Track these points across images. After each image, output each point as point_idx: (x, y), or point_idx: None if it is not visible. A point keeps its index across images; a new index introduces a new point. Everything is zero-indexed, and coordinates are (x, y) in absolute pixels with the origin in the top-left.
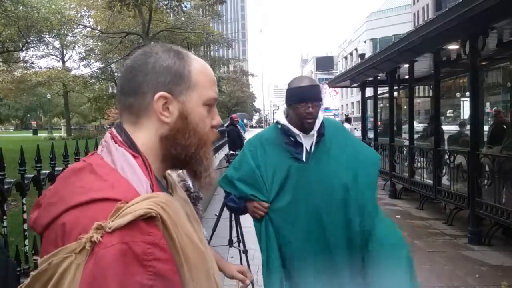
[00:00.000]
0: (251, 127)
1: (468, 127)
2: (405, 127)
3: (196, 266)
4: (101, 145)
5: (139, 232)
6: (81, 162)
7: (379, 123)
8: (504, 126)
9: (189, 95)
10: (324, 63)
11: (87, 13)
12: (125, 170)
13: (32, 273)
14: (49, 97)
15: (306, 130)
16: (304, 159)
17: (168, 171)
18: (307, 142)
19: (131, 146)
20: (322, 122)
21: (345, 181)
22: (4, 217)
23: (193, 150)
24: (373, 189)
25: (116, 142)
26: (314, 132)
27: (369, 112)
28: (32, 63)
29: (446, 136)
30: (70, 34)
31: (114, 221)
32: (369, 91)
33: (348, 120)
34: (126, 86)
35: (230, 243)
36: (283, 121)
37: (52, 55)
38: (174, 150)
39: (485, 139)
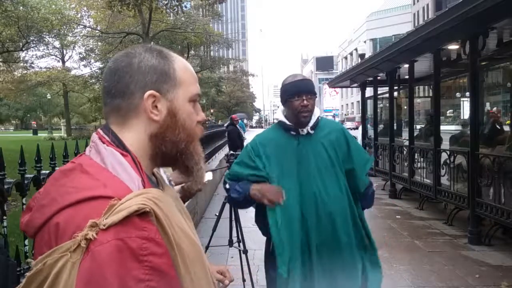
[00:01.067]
0: (251, 127)
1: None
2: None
3: (192, 259)
4: (89, 146)
5: (134, 228)
6: (70, 164)
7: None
8: (497, 126)
9: (176, 92)
10: (324, 63)
11: (87, 13)
12: (116, 169)
13: (27, 274)
14: (49, 97)
15: (302, 124)
16: (304, 133)
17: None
18: None
19: (119, 145)
20: (318, 119)
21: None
22: (4, 217)
23: (183, 145)
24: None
25: (104, 142)
26: (308, 127)
27: (369, 112)
28: (32, 63)
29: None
30: (70, 34)
31: (108, 218)
32: (369, 91)
33: None
34: (113, 88)
35: (230, 243)
36: (281, 117)
37: (52, 55)
38: (164, 147)
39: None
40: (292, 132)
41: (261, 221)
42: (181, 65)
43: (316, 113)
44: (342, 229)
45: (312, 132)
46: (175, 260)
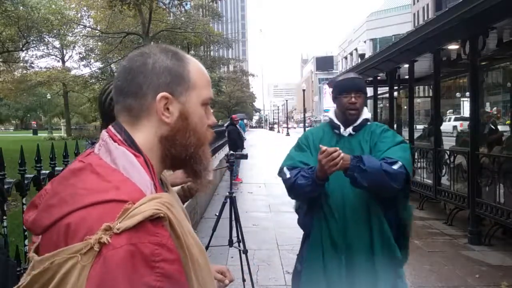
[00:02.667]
0: (251, 127)
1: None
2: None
3: (200, 263)
4: (98, 144)
5: (147, 233)
6: (79, 163)
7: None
8: (492, 126)
9: (189, 95)
10: (324, 63)
11: (87, 13)
12: (128, 170)
13: (33, 272)
14: (49, 97)
15: (349, 122)
16: (346, 134)
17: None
18: None
19: (132, 145)
20: (365, 121)
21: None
22: (4, 217)
23: (192, 149)
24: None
25: (115, 141)
26: (350, 129)
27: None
28: (32, 63)
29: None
30: (70, 34)
31: (122, 222)
32: (369, 91)
33: None
34: (125, 87)
35: (230, 243)
36: (331, 115)
37: (52, 55)
38: (174, 150)
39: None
40: (336, 131)
41: (306, 217)
42: (196, 68)
43: (364, 114)
44: (367, 230)
45: (353, 133)
46: (186, 265)
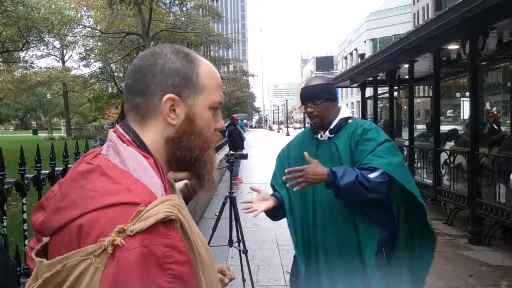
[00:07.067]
0: (251, 127)
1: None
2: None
3: (207, 264)
4: (106, 145)
5: (159, 235)
6: (87, 164)
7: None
8: (495, 126)
9: (196, 98)
10: (324, 63)
11: (87, 13)
12: (138, 172)
13: (45, 275)
14: (49, 97)
15: (316, 129)
16: (325, 139)
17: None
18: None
19: (141, 146)
20: (341, 122)
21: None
22: (4, 217)
23: (197, 152)
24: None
25: (123, 142)
26: (327, 132)
27: (369, 112)
28: (32, 63)
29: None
30: (70, 34)
31: (136, 224)
32: (369, 91)
33: None
34: (134, 86)
35: (230, 243)
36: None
37: (52, 55)
38: (179, 152)
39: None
40: (316, 135)
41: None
42: (206, 71)
43: (341, 113)
44: (346, 233)
45: (332, 136)
46: (196, 266)
